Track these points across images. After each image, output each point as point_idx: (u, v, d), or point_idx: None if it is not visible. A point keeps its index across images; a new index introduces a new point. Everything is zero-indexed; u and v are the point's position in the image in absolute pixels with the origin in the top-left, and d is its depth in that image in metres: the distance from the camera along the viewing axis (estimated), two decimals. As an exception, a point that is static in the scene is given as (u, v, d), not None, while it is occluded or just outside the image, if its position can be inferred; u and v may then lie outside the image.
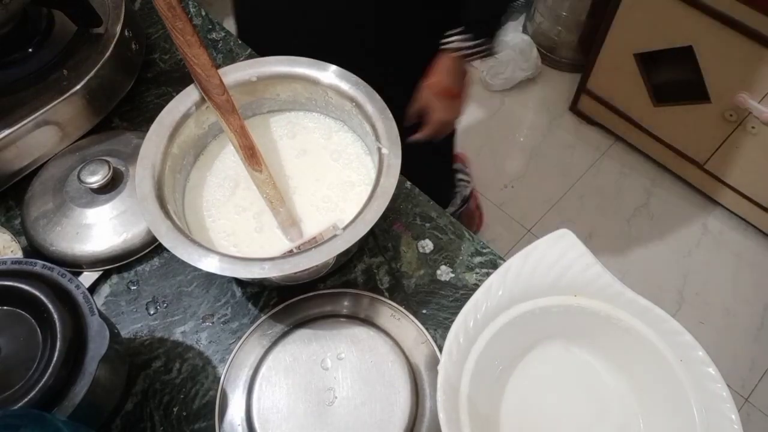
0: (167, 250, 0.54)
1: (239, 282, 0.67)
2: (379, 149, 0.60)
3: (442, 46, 0.83)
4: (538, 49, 2.01)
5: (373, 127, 0.61)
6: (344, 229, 0.54)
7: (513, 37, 2.03)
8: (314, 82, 0.64)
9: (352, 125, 0.67)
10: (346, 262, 0.68)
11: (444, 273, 0.67)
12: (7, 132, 0.69)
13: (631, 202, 1.80)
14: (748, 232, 1.73)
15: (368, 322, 0.62)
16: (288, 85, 0.66)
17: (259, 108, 0.68)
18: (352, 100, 0.63)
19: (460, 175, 1.52)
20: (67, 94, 0.71)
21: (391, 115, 0.61)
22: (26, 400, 0.46)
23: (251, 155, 0.60)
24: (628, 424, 0.56)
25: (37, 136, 0.71)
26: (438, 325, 0.64)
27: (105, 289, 0.67)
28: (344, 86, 0.63)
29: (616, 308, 0.56)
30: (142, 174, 0.58)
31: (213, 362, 0.63)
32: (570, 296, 0.57)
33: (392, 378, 0.58)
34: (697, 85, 1.51)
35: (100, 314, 0.51)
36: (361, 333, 0.61)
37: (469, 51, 0.82)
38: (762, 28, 1.30)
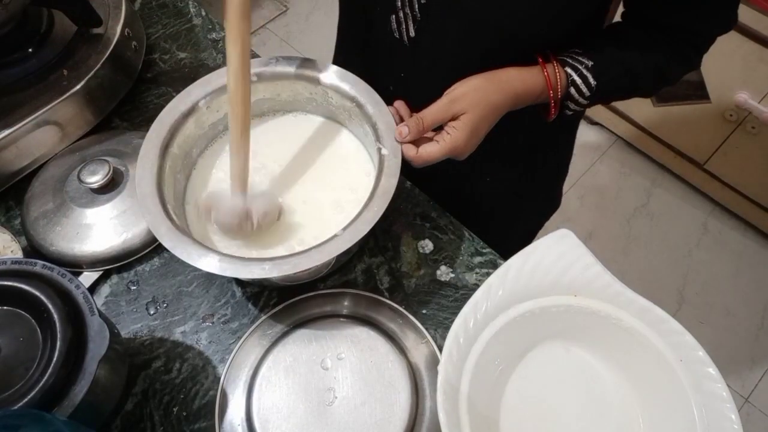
0: (167, 250, 0.54)
1: (239, 282, 0.67)
2: (379, 149, 0.60)
3: (544, 56, 0.62)
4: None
5: (373, 127, 0.61)
6: (344, 229, 0.54)
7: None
8: (315, 82, 0.64)
9: (351, 125, 0.67)
10: (346, 262, 0.68)
11: (444, 273, 0.67)
12: (7, 132, 0.69)
13: (631, 202, 1.79)
14: (748, 232, 1.73)
15: (368, 322, 0.62)
16: (289, 84, 0.66)
17: (259, 108, 0.68)
18: (352, 99, 0.63)
19: None
20: (67, 94, 0.71)
21: (391, 116, 0.61)
22: (26, 400, 0.46)
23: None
24: (628, 423, 0.56)
25: (37, 136, 0.71)
26: (438, 325, 0.64)
27: (105, 289, 0.67)
28: (345, 86, 0.63)
29: (616, 308, 0.56)
30: (141, 174, 0.58)
31: (213, 362, 0.63)
32: (570, 296, 0.57)
33: (392, 378, 0.58)
34: (697, 85, 1.51)
35: (100, 314, 0.51)
36: (361, 333, 0.61)
37: (576, 94, 0.62)
38: (762, 28, 1.30)
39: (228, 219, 0.58)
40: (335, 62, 0.65)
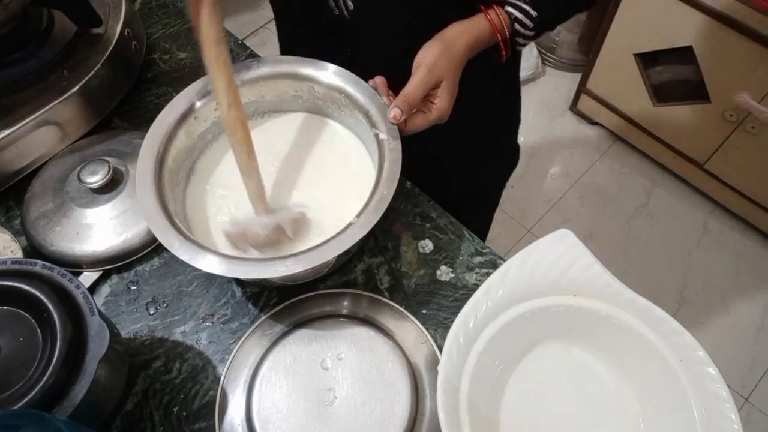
0: (167, 250, 0.54)
1: (239, 282, 0.67)
2: (377, 135, 0.59)
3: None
4: (538, 49, 2.01)
5: (366, 114, 0.61)
6: (358, 216, 0.54)
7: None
8: (300, 78, 0.64)
9: (340, 116, 0.66)
10: (346, 262, 0.68)
11: (444, 273, 0.67)
12: (7, 132, 0.69)
13: (631, 202, 1.79)
14: (748, 232, 1.73)
15: (368, 322, 0.62)
16: (273, 85, 0.65)
17: (246, 111, 0.68)
18: (339, 90, 0.63)
19: None
20: (67, 94, 0.71)
21: (382, 100, 0.61)
22: (26, 400, 0.46)
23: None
24: (628, 424, 0.56)
25: (37, 136, 0.71)
26: (438, 325, 0.64)
27: (105, 289, 0.67)
28: (330, 78, 0.63)
29: (616, 308, 0.56)
30: (142, 191, 0.57)
31: (213, 362, 0.63)
32: (570, 296, 0.57)
33: (392, 378, 0.58)
34: (697, 85, 1.51)
35: (100, 314, 0.51)
36: (361, 333, 0.61)
37: (521, 28, 0.65)
38: (762, 28, 1.30)
39: (264, 238, 0.59)
40: (283, 54, 0.65)
